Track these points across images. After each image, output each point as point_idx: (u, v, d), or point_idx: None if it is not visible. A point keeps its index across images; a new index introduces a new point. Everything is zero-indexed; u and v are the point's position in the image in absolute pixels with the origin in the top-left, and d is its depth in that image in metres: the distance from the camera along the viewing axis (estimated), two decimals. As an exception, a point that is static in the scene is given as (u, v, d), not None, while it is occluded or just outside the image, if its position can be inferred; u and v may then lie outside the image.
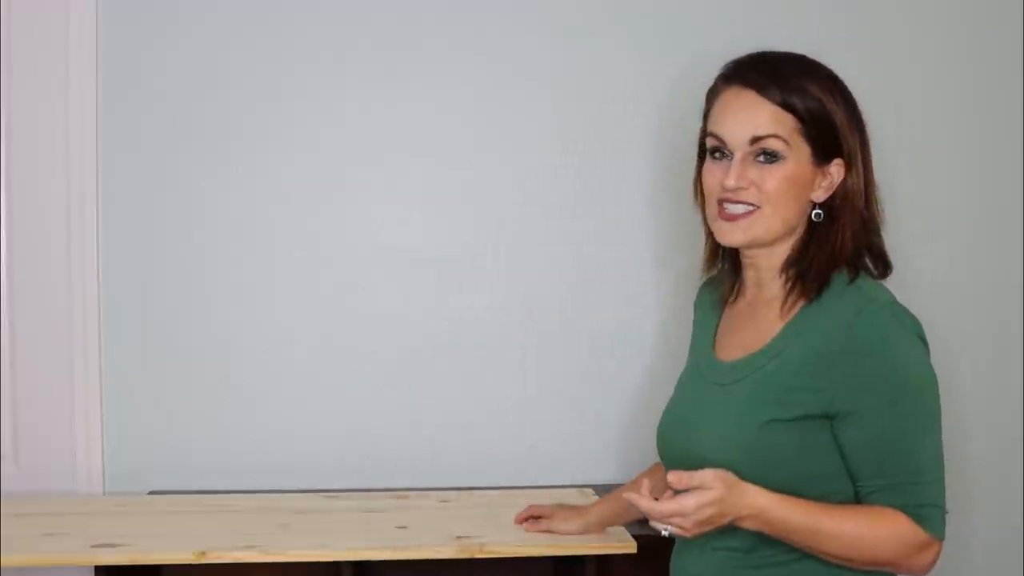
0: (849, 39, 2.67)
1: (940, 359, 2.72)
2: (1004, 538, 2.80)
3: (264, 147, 2.59)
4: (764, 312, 1.76)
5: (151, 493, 2.56)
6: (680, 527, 1.57)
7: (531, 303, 2.66)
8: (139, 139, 2.57)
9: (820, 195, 1.71)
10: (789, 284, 1.73)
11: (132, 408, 2.59)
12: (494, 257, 2.65)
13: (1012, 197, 2.76)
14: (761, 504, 1.61)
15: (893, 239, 2.64)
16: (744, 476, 1.64)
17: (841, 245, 1.71)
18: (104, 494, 2.57)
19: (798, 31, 2.64)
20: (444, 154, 2.63)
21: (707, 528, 1.59)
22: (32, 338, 2.57)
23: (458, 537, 2.14)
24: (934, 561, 1.68)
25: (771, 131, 1.69)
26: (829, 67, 1.76)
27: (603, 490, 2.52)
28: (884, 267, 1.75)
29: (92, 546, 2.09)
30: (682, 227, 2.65)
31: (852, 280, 1.70)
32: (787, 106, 1.69)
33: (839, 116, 1.70)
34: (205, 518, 2.31)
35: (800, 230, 1.74)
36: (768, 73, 1.71)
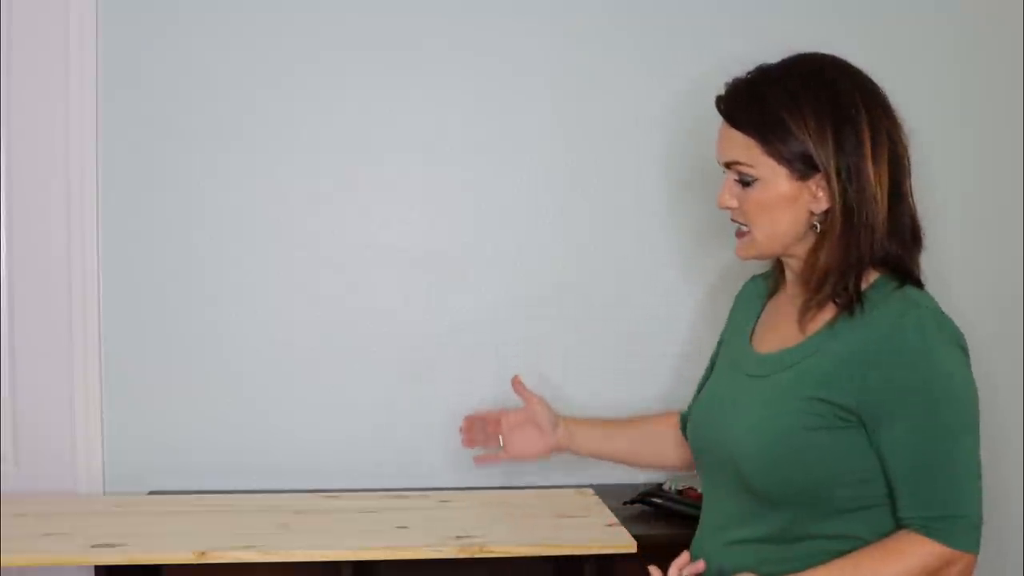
0: (849, 40, 2.65)
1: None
2: (1004, 538, 2.80)
3: (264, 147, 2.59)
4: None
5: (151, 493, 2.56)
6: None
7: (531, 303, 2.66)
8: (139, 139, 2.56)
9: (817, 207, 1.71)
10: (809, 291, 1.75)
11: (132, 408, 2.59)
12: (494, 257, 2.65)
13: (1012, 197, 2.76)
14: None
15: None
16: (770, 471, 1.68)
17: (844, 254, 1.70)
18: (104, 494, 2.57)
19: (798, 31, 2.65)
20: (444, 154, 2.63)
21: None
22: (32, 338, 2.57)
23: (458, 537, 2.14)
24: (964, 573, 1.66)
25: (734, 158, 1.75)
26: (830, 67, 1.76)
27: (602, 490, 2.53)
28: (904, 277, 1.72)
29: (92, 546, 2.09)
30: (682, 227, 2.65)
31: (900, 286, 1.70)
32: (750, 131, 1.73)
33: (807, 132, 1.68)
34: (205, 518, 2.31)
35: (810, 239, 1.75)
36: (735, 99, 1.76)
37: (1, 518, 2.24)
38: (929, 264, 2.67)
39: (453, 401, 2.64)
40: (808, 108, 1.69)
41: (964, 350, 1.68)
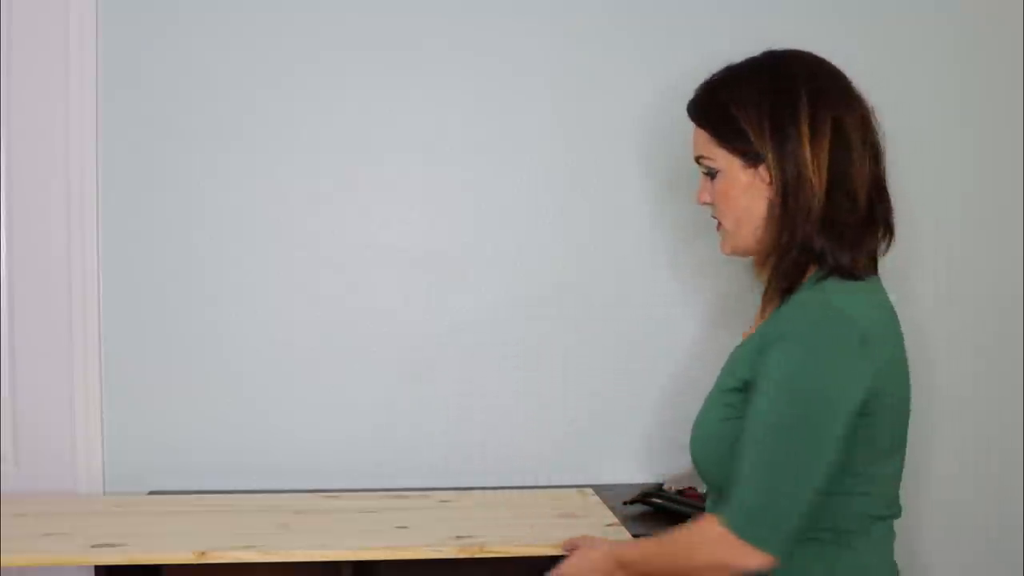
0: (849, 40, 2.67)
1: (940, 359, 2.74)
2: (1004, 539, 2.80)
3: (264, 147, 2.59)
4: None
5: (151, 493, 2.56)
6: None
7: (530, 303, 2.66)
8: (139, 139, 2.56)
9: (770, 193, 1.73)
10: (764, 279, 1.80)
11: (132, 408, 2.59)
12: (494, 257, 2.65)
13: (1012, 197, 2.76)
14: (603, 553, 1.85)
15: (893, 238, 2.64)
16: (708, 465, 1.76)
17: (779, 237, 1.72)
18: (104, 494, 2.57)
19: (798, 31, 2.65)
20: (444, 154, 2.63)
21: None
22: (32, 338, 2.57)
23: (458, 537, 2.14)
24: (734, 562, 1.64)
25: (698, 152, 1.84)
26: (786, 60, 1.78)
27: (602, 490, 2.53)
28: (833, 270, 1.71)
29: (92, 546, 2.09)
30: (682, 227, 2.65)
31: (825, 277, 1.70)
32: (705, 125, 1.81)
33: (749, 121, 1.73)
34: (205, 518, 2.31)
35: None
36: (697, 96, 1.85)
37: (1, 518, 2.24)
38: (929, 264, 2.71)
39: (453, 401, 2.64)
40: (751, 98, 1.74)
41: (851, 352, 1.63)
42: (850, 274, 1.70)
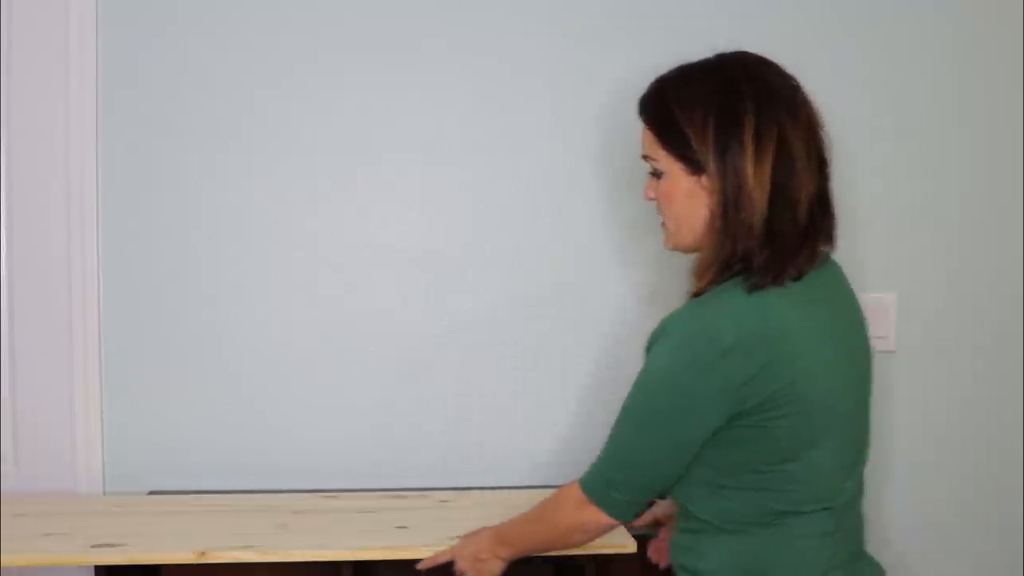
0: (849, 40, 2.67)
1: (940, 359, 2.74)
2: (1004, 539, 2.80)
3: (263, 147, 2.59)
4: None
5: (151, 493, 2.56)
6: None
7: (530, 303, 2.66)
8: (139, 139, 2.57)
9: (711, 201, 1.75)
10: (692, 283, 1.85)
11: (132, 408, 2.59)
12: (493, 257, 2.65)
13: (1012, 197, 2.76)
14: (486, 533, 2.03)
15: (894, 238, 2.66)
16: None
17: (721, 250, 1.75)
18: (104, 494, 2.57)
19: (798, 32, 2.65)
20: (443, 154, 2.63)
21: (477, 564, 2.02)
22: (32, 338, 2.57)
23: (457, 537, 2.14)
24: (588, 522, 1.87)
25: (644, 151, 1.87)
26: (736, 66, 1.79)
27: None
28: (754, 277, 1.73)
29: (92, 546, 2.09)
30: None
31: (735, 280, 1.74)
32: (651, 126, 1.84)
33: (692, 129, 1.74)
34: (205, 518, 2.32)
35: None
36: (647, 95, 1.88)
37: (1, 518, 2.24)
38: (929, 264, 2.71)
39: (452, 401, 2.64)
40: (697, 106, 1.75)
41: (706, 364, 1.69)
42: (774, 281, 1.72)
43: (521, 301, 2.65)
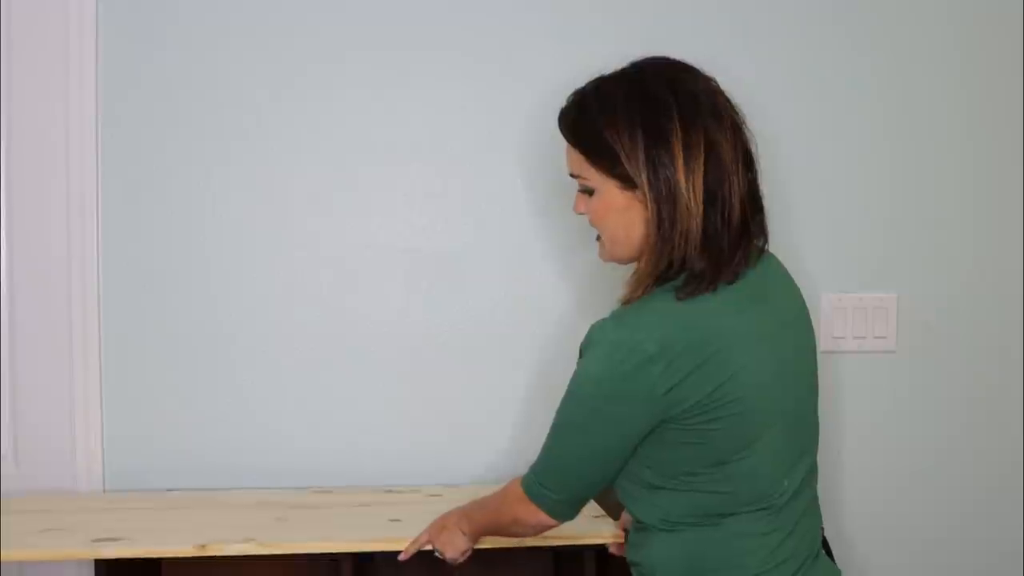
0: (849, 40, 2.68)
1: (940, 359, 2.74)
2: (1004, 539, 2.79)
3: (264, 147, 2.59)
4: None
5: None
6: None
7: (531, 303, 2.65)
8: (139, 139, 2.57)
9: (647, 215, 1.74)
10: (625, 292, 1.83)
11: (132, 408, 2.59)
12: (494, 257, 2.65)
13: (1012, 197, 2.76)
14: (455, 509, 2.07)
15: (894, 238, 2.65)
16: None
17: (658, 263, 1.75)
18: (104, 493, 2.56)
19: (798, 32, 2.66)
20: (444, 154, 2.63)
21: (450, 546, 2.04)
22: (32, 338, 2.56)
23: None
24: (528, 518, 1.89)
25: (571, 170, 1.84)
26: (655, 76, 1.78)
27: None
28: (689, 285, 1.73)
29: (92, 540, 2.09)
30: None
31: (666, 285, 1.74)
32: (579, 147, 1.80)
33: (621, 147, 1.72)
34: (203, 513, 2.32)
35: None
36: (567, 114, 1.85)
37: (1, 516, 2.23)
38: (929, 264, 2.71)
39: (452, 401, 2.64)
40: (623, 123, 1.73)
41: (629, 373, 1.70)
42: (708, 287, 1.72)
43: (522, 301, 2.65)
